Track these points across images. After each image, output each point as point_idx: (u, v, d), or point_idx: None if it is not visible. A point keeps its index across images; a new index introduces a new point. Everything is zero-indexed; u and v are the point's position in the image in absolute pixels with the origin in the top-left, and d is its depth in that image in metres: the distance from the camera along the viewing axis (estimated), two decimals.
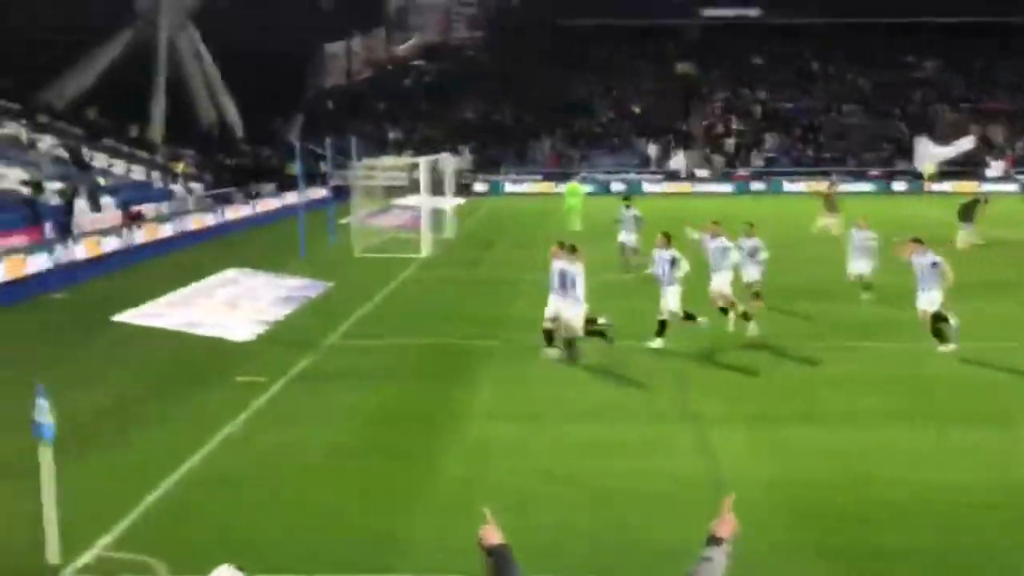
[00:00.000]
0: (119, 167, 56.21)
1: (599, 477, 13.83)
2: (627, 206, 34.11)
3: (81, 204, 43.08)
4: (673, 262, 21.52)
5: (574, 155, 78.97)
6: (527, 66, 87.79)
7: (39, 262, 34.34)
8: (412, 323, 23.79)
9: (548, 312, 20.51)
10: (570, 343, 20.34)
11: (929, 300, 21.05)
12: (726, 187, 73.74)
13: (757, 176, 75.35)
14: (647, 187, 72.90)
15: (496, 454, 14.83)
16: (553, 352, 20.45)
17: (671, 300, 21.40)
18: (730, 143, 79.72)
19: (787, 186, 72.55)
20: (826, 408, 17.29)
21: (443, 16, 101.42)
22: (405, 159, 52.34)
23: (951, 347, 20.75)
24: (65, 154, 52.53)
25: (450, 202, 46.69)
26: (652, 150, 78.47)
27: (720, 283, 23.14)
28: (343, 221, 42.09)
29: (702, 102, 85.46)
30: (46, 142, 53.56)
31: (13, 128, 53.36)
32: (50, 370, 18.40)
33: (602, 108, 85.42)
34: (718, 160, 77.90)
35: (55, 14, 61.28)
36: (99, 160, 55.21)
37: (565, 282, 20.23)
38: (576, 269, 20.29)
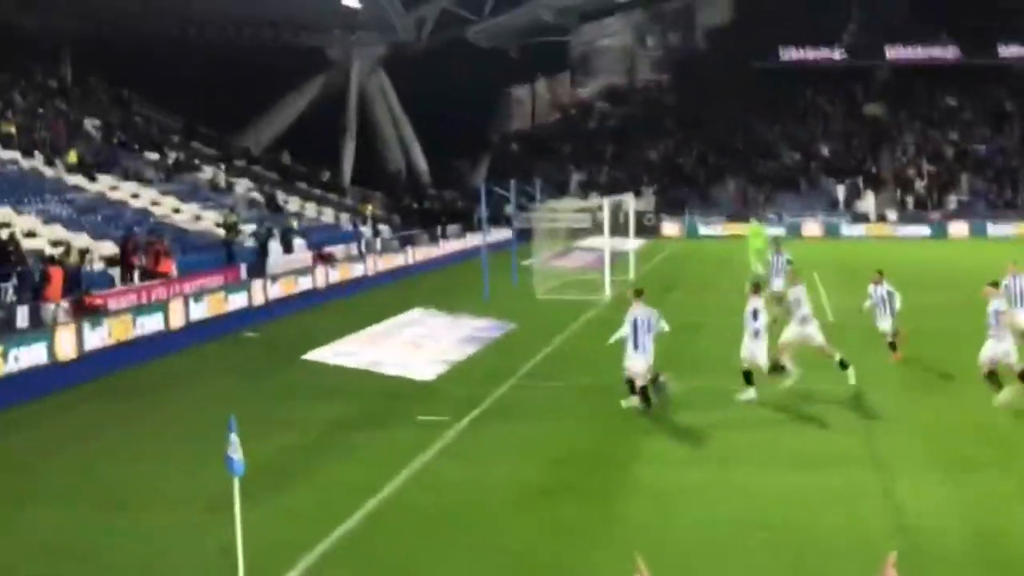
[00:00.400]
0: (311, 210, 57.79)
1: (789, 525, 13.60)
2: (778, 251, 32.74)
3: (274, 246, 44.43)
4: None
5: (758, 197, 78.11)
6: (712, 108, 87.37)
7: (236, 301, 35.67)
8: (593, 364, 23.83)
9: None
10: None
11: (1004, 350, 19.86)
12: (922, 230, 71.74)
13: (954, 217, 73.05)
14: (845, 230, 71.79)
15: (679, 499, 14.69)
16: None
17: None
18: (920, 185, 77.79)
19: (991, 229, 70.11)
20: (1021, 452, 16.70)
21: (627, 59, 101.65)
22: (588, 201, 52.54)
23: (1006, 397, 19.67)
24: (260, 197, 54.27)
25: (632, 244, 46.69)
26: (840, 192, 77.10)
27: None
28: (526, 263, 42.46)
29: (891, 143, 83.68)
30: (242, 186, 55.47)
31: (211, 172, 55.41)
32: (243, 406, 18.99)
33: (788, 149, 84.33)
34: (910, 202, 76.09)
35: (251, 62, 63.37)
36: (292, 203, 56.85)
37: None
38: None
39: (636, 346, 19.85)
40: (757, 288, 21.33)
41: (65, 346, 26.99)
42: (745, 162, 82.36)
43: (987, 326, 19.62)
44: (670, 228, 74.07)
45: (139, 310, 31.10)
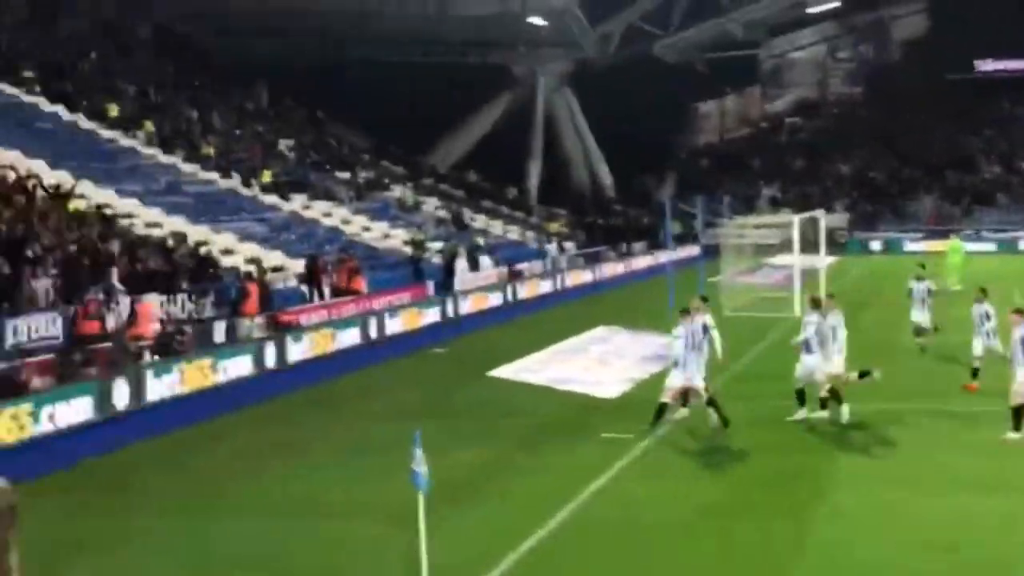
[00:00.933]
0: (497, 227, 58.28)
1: (975, 548, 13.21)
2: (919, 277, 28.78)
3: (461, 263, 44.93)
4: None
5: (955, 212, 75.88)
6: (906, 120, 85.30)
7: (427, 317, 36.32)
8: (782, 383, 23.49)
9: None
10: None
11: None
12: None
13: None
14: None
15: (866, 520, 14.39)
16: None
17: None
18: None
19: None
20: None
21: (819, 72, 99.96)
22: (777, 217, 51.82)
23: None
24: (447, 215, 54.98)
25: (823, 261, 45.85)
26: None
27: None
28: (713, 279, 42.07)
29: None
30: (430, 204, 56.30)
31: (400, 191, 56.40)
32: (429, 420, 19.27)
33: (987, 163, 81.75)
34: None
35: (438, 82, 64.30)
36: (478, 221, 57.45)
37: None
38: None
39: (679, 362, 19.76)
40: (816, 303, 20.81)
41: (269, 359, 28.28)
42: (940, 176, 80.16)
43: (1012, 356, 18.60)
44: (864, 243, 72.45)
45: (336, 324, 32.19)
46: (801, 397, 20.24)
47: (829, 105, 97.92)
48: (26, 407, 20.60)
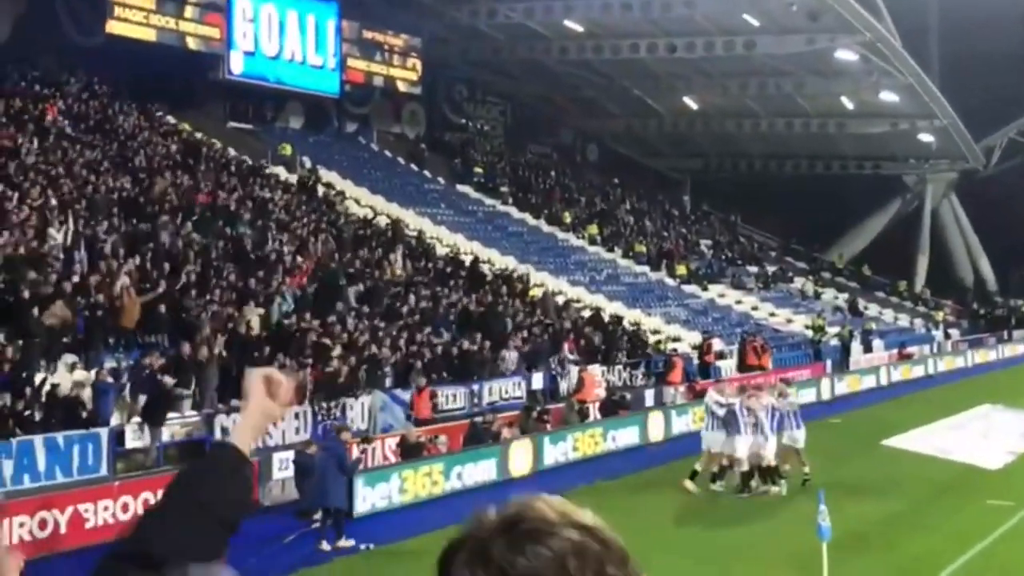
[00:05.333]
0: (887, 315, 56.20)
1: None
2: None
3: (855, 346, 43.68)
4: None
5: None
6: None
7: (824, 391, 35.41)
8: None
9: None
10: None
11: None
12: None
13: None
14: None
15: None
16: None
17: None
18: None
19: None
20: None
21: None
22: None
23: None
24: (843, 304, 53.58)
25: None
26: None
27: None
28: None
29: None
30: (828, 294, 55.05)
31: (802, 282, 55.52)
32: (830, 480, 18.83)
33: None
34: None
35: (838, 189, 63.13)
36: (871, 309, 55.61)
37: None
38: None
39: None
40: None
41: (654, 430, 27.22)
42: None
43: None
44: None
45: None
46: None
47: None
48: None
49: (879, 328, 50.31)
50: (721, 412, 19.63)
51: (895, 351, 45.86)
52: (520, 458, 22.75)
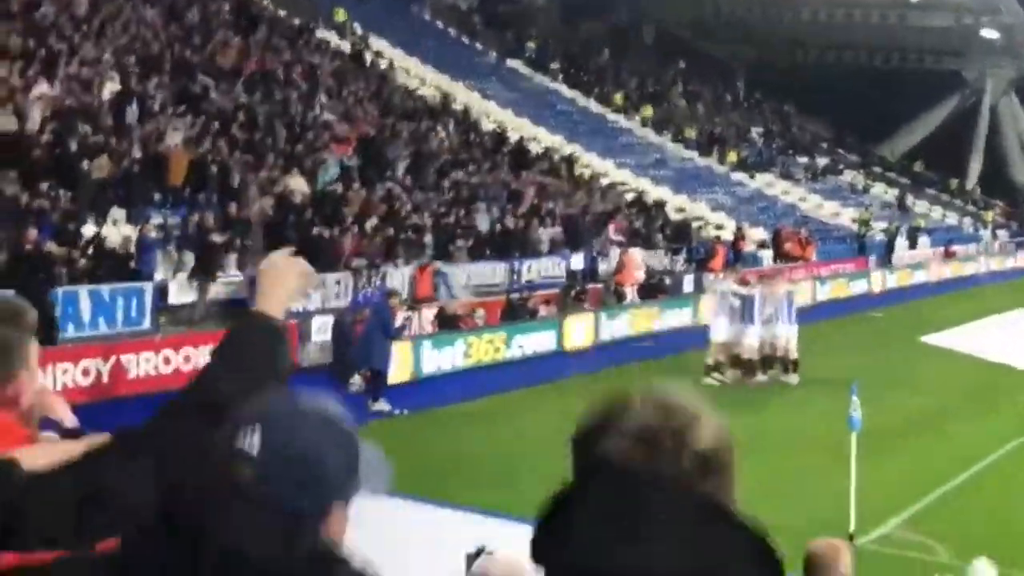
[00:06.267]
0: (936, 213, 55.30)
1: None
2: None
3: (901, 241, 43.08)
4: None
5: None
6: None
7: (861, 287, 35.06)
8: None
9: None
10: None
11: None
12: None
13: None
14: None
15: None
16: None
17: None
18: None
19: None
20: None
21: None
22: None
23: None
24: (892, 199, 52.73)
25: None
26: None
27: None
28: None
29: None
30: (878, 189, 54.18)
31: (851, 176, 54.61)
32: (863, 374, 18.65)
33: None
34: None
35: (894, 82, 61.54)
36: (919, 206, 54.71)
37: None
38: None
39: None
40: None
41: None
42: None
43: None
44: None
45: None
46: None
47: None
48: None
49: (927, 226, 49.52)
50: (737, 302, 19.33)
51: (940, 249, 45.23)
52: (579, 332, 23.18)
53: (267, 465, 1.80)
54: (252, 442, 1.81)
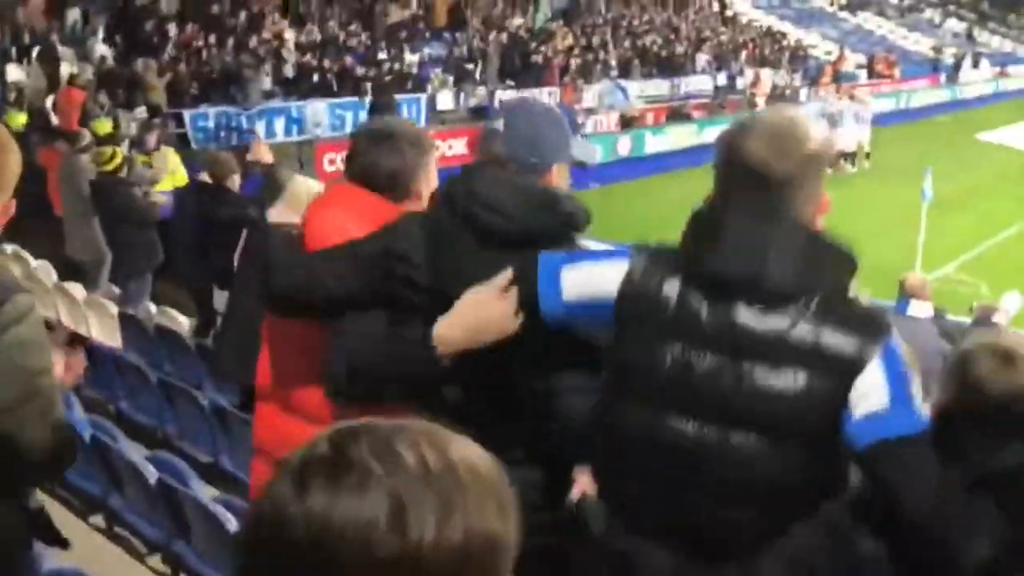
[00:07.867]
0: (995, 41, 48.70)
1: None
2: None
3: (966, 64, 38.38)
4: None
5: None
6: None
7: (933, 96, 31.54)
8: None
9: None
10: None
11: None
12: None
13: None
14: None
15: None
16: None
17: None
18: None
19: None
20: None
21: None
22: None
23: None
24: (961, 31, 46.68)
25: None
26: None
27: None
28: None
29: None
30: (950, 23, 48.05)
31: (930, 12, 48.55)
32: (930, 161, 16.55)
33: None
34: None
35: None
36: (983, 36, 48.21)
37: None
38: None
39: None
40: None
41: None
42: None
43: None
44: None
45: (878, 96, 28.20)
46: None
47: None
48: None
49: (988, 51, 43.77)
50: (831, 109, 17.49)
51: (997, 69, 40.19)
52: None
53: (508, 138, 1.86)
54: (499, 125, 1.88)
